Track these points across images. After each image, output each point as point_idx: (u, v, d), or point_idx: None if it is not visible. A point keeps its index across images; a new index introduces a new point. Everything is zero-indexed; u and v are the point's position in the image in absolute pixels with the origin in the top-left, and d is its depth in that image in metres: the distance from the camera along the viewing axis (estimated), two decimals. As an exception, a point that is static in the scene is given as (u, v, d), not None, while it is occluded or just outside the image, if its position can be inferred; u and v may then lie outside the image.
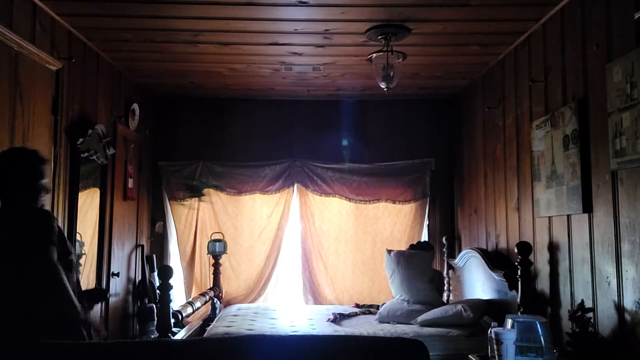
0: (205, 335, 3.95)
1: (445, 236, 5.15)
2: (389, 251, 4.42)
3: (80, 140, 3.50)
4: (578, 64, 2.94)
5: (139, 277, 4.80)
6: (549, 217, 3.25)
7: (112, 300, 4.18)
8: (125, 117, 4.50)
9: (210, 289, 4.95)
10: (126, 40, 3.73)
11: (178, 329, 3.96)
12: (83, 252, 3.71)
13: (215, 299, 4.72)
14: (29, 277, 2.03)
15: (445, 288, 4.98)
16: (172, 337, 3.55)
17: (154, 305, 4.56)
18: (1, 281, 2.03)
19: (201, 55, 4.03)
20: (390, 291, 4.45)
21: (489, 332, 2.49)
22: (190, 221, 5.30)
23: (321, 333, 3.75)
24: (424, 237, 5.32)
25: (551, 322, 3.04)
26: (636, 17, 2.38)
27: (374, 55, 3.60)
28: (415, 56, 3.90)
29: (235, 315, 4.34)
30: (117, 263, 4.28)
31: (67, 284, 2.09)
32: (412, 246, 4.67)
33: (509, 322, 2.53)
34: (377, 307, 4.49)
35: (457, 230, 5.29)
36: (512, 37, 3.66)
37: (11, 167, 2.21)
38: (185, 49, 3.89)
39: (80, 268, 3.60)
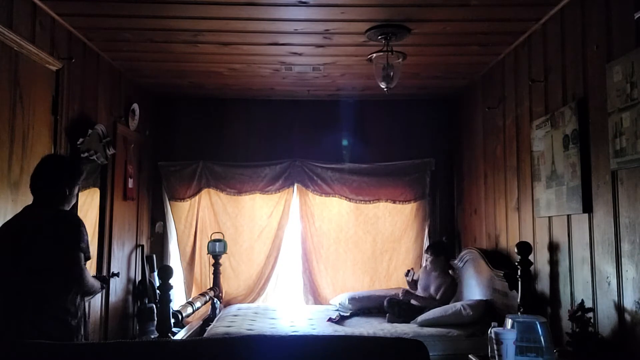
0: (205, 335, 3.95)
1: (445, 236, 5.15)
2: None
3: (80, 140, 3.50)
4: (578, 64, 2.94)
5: (139, 277, 4.80)
6: (549, 217, 3.25)
7: (112, 300, 4.18)
8: (125, 117, 4.50)
9: (210, 289, 4.95)
10: (126, 40, 3.73)
11: (178, 329, 3.96)
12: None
13: (215, 299, 4.71)
14: (57, 281, 2.26)
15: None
16: (172, 337, 3.55)
17: (154, 305, 4.56)
18: (30, 279, 2.23)
19: (201, 55, 4.03)
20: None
21: (489, 332, 2.49)
22: (190, 221, 5.29)
23: (321, 333, 3.76)
24: (424, 237, 5.32)
25: (551, 322, 3.04)
26: (636, 17, 2.38)
27: (374, 55, 3.60)
28: (415, 56, 3.90)
29: (235, 315, 4.34)
30: (117, 263, 4.28)
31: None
32: (429, 246, 4.66)
33: (509, 322, 2.53)
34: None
35: (457, 230, 5.28)
36: (512, 37, 3.66)
37: (48, 171, 2.43)
38: (185, 49, 3.89)
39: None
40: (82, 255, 2.32)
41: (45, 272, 2.26)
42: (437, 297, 4.23)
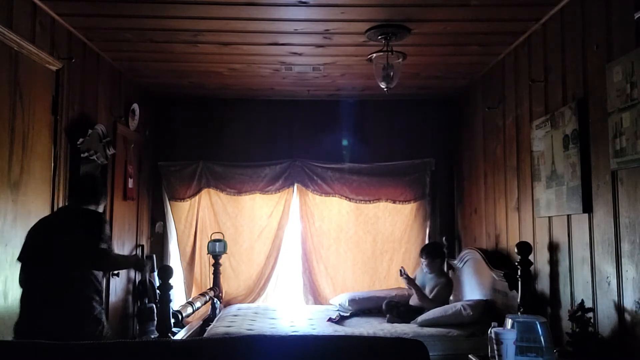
0: (205, 335, 3.95)
1: (445, 236, 5.15)
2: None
3: (80, 140, 3.50)
4: (578, 64, 2.94)
5: (139, 277, 4.80)
6: (549, 217, 3.25)
7: (112, 300, 4.18)
8: (125, 117, 4.50)
9: (210, 289, 4.95)
10: (126, 40, 3.73)
11: (178, 329, 3.96)
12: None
13: (215, 299, 4.71)
14: (87, 259, 2.67)
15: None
16: (172, 337, 3.55)
17: (154, 305, 4.55)
18: (59, 267, 2.60)
19: (201, 55, 4.03)
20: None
21: (489, 332, 2.49)
22: (190, 221, 5.29)
23: (321, 333, 3.76)
24: (425, 237, 5.31)
25: (551, 322, 3.04)
26: (636, 17, 2.38)
27: (374, 55, 3.60)
28: (415, 56, 3.90)
29: (235, 315, 4.34)
30: (117, 263, 4.27)
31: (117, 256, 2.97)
32: (422, 249, 4.62)
33: (509, 322, 2.53)
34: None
35: (457, 230, 5.28)
36: (512, 37, 3.66)
37: (87, 185, 2.92)
38: (185, 49, 3.89)
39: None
40: (103, 243, 2.71)
41: (73, 260, 2.61)
42: (430, 296, 4.24)
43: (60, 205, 3.31)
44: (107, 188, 3.85)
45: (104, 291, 2.85)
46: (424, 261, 4.41)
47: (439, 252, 4.52)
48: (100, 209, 2.92)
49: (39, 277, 2.60)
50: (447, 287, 4.33)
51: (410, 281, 4.32)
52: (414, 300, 4.33)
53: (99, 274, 2.78)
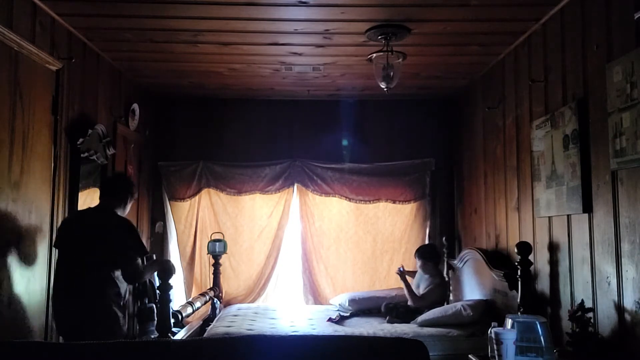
0: (205, 335, 3.95)
1: (445, 236, 5.15)
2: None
3: (80, 140, 3.50)
4: (578, 64, 2.94)
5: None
6: (549, 217, 3.25)
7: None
8: (125, 117, 4.50)
9: (210, 289, 4.95)
10: (126, 40, 3.73)
11: (178, 329, 3.95)
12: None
13: (215, 299, 4.71)
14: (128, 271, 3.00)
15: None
16: (172, 337, 3.55)
17: (154, 305, 4.55)
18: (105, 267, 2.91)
19: (201, 55, 4.03)
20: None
21: (489, 332, 2.49)
22: (190, 221, 5.29)
23: (321, 333, 3.76)
24: (425, 237, 5.31)
25: (551, 322, 3.04)
26: (636, 17, 2.38)
27: (374, 55, 3.60)
28: (415, 56, 3.90)
29: (235, 315, 4.34)
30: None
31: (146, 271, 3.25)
32: (417, 250, 4.65)
33: (509, 322, 2.53)
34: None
35: (457, 230, 5.28)
36: (512, 37, 3.66)
37: (119, 184, 3.22)
38: (185, 49, 3.89)
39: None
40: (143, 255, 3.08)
41: (107, 261, 2.91)
42: (419, 294, 4.27)
43: (60, 205, 3.33)
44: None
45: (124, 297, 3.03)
46: (418, 262, 4.49)
47: (432, 254, 4.58)
48: (128, 209, 3.18)
49: (66, 264, 2.92)
50: (439, 287, 4.39)
51: (403, 277, 4.39)
52: None
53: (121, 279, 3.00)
